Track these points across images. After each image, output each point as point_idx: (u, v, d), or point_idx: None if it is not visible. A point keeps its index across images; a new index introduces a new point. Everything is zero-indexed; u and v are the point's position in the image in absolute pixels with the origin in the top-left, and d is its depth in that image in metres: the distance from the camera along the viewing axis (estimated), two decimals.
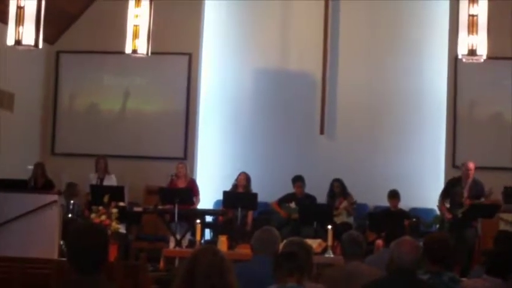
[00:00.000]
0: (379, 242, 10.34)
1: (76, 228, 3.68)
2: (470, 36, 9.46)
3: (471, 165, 11.05)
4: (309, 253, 4.86)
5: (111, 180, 12.01)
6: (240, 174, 12.06)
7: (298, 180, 11.89)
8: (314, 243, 9.24)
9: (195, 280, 3.35)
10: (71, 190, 11.69)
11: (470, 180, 11.00)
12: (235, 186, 12.02)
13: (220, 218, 11.77)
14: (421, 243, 4.98)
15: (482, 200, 10.80)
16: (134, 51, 10.79)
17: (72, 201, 11.30)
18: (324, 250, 9.74)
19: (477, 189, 10.92)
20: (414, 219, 11.06)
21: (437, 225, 11.15)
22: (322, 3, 13.10)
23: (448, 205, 11.02)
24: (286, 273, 4.39)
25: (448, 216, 10.94)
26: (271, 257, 4.94)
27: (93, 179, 11.99)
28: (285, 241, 5.24)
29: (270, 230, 5.46)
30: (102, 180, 12.01)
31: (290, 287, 4.37)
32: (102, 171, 12.08)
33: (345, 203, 11.83)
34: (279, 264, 4.46)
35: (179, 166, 11.88)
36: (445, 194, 11.16)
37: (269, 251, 5.22)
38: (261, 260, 5.18)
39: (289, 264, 4.42)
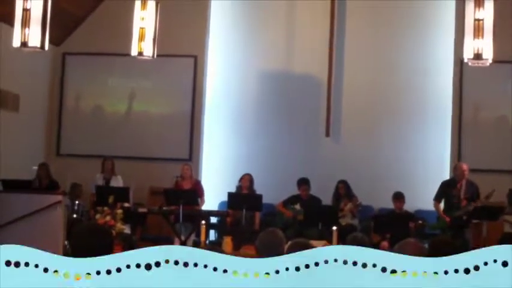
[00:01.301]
0: (385, 244, 10.35)
1: (80, 229, 3.71)
2: (476, 40, 9.44)
3: (465, 166, 11.18)
4: None
5: (117, 181, 12.03)
6: (244, 176, 12.07)
7: (303, 183, 11.89)
8: (319, 245, 9.19)
9: None
10: (74, 191, 11.71)
11: (464, 181, 11.08)
12: (239, 187, 12.03)
13: (228, 219, 11.77)
14: (426, 246, 4.98)
15: (478, 202, 10.85)
16: (140, 53, 10.80)
17: (77, 202, 11.32)
18: None
19: (472, 191, 11.00)
20: (420, 222, 11.05)
21: (441, 229, 11.14)
22: (328, 4, 13.10)
23: (442, 206, 11.15)
24: None
25: (447, 219, 10.99)
26: None
27: (99, 179, 12.02)
28: (289, 242, 5.23)
29: (274, 231, 5.43)
30: (108, 181, 12.03)
31: None
32: (109, 172, 12.11)
33: (349, 205, 11.82)
34: None
35: (184, 167, 11.90)
36: (440, 196, 11.28)
37: (274, 253, 5.19)
38: None
39: None
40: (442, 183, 11.54)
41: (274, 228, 5.63)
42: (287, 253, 4.73)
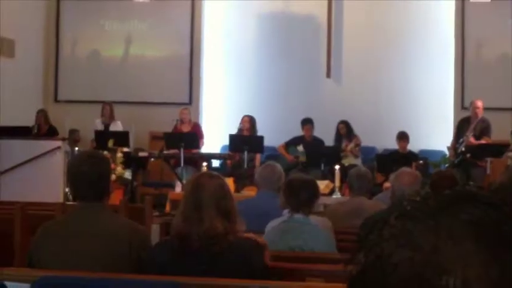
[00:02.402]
0: (387, 184, 10.26)
1: (78, 155, 3.71)
2: None
3: (478, 103, 10.92)
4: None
5: (117, 127, 11.94)
6: (243, 117, 11.94)
7: (307, 122, 11.80)
8: (322, 185, 9.15)
9: (202, 204, 3.30)
10: (72, 136, 11.64)
11: (478, 118, 10.87)
12: (240, 130, 11.91)
13: (229, 162, 11.70)
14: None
15: (485, 138, 10.68)
16: None
17: (76, 148, 11.24)
18: (332, 191, 9.68)
19: (482, 127, 10.80)
20: (421, 161, 10.94)
21: (446, 165, 11.04)
22: None
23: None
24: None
25: (452, 154, 10.90)
26: (275, 191, 4.90)
27: (98, 125, 11.92)
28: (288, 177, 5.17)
29: (272, 165, 5.41)
30: (107, 126, 11.94)
31: (297, 218, 4.34)
32: (108, 117, 12.00)
33: (351, 146, 11.74)
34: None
35: (183, 111, 11.78)
36: (456, 136, 11.09)
37: (272, 187, 5.17)
38: (265, 194, 5.15)
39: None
40: (458, 122, 11.38)
41: (273, 162, 5.57)
42: (285, 188, 4.64)
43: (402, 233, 0.84)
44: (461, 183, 5.66)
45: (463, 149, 10.66)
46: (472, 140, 10.71)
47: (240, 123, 11.94)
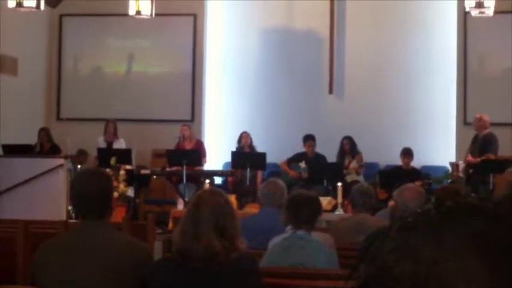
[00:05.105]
0: (392, 203, 10.22)
1: (81, 173, 3.72)
2: None
3: (478, 116, 10.87)
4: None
5: (120, 145, 11.91)
6: (242, 134, 11.92)
7: (309, 139, 11.77)
8: (324, 201, 9.14)
9: (199, 220, 3.29)
10: (80, 157, 11.61)
11: (483, 133, 10.76)
12: (241, 147, 11.90)
13: (230, 178, 11.68)
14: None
15: (488, 155, 10.59)
16: (138, 12, 10.69)
17: (79, 166, 11.23)
18: (334, 208, 9.66)
19: (484, 143, 10.71)
20: (426, 181, 10.85)
21: (449, 181, 11.00)
22: None
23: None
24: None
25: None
26: (278, 208, 4.88)
27: (101, 142, 11.90)
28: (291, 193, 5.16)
29: (275, 182, 5.40)
30: (110, 144, 11.91)
31: (300, 234, 4.33)
32: (111, 135, 11.98)
33: (354, 163, 11.71)
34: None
35: (183, 128, 11.74)
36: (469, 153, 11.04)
37: (275, 203, 5.15)
38: (268, 211, 5.13)
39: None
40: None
41: (276, 179, 5.56)
42: (287, 204, 4.63)
43: (404, 246, 0.83)
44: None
45: (471, 170, 10.61)
46: (469, 158, 10.68)
47: (240, 141, 11.93)
